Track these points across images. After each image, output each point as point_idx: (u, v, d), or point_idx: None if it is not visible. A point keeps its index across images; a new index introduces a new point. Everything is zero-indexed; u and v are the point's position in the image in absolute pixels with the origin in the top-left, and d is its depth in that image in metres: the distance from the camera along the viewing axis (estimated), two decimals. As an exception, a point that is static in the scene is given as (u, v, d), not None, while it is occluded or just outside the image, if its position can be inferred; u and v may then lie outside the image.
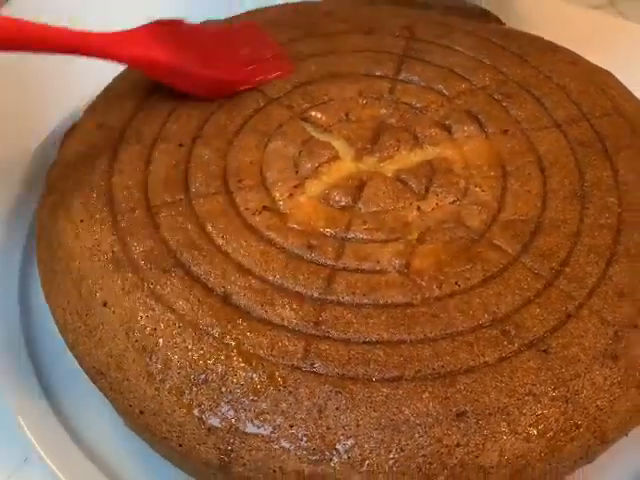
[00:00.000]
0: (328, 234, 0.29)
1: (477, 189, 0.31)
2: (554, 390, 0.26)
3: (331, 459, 0.25)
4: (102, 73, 0.35)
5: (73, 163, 0.33)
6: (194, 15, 0.37)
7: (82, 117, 0.35)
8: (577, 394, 0.26)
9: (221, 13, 0.38)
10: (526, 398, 0.25)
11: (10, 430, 0.30)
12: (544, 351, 0.26)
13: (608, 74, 0.35)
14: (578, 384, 0.26)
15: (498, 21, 0.38)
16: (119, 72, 0.36)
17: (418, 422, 0.25)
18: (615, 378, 0.26)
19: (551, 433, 0.25)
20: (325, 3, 0.39)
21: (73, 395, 0.31)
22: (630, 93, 0.35)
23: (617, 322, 0.27)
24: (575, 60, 0.36)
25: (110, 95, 0.35)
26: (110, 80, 0.36)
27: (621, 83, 0.35)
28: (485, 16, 0.38)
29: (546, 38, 0.38)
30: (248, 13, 0.39)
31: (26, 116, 0.39)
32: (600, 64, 0.36)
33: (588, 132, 0.33)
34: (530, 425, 0.25)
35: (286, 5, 0.39)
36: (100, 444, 0.29)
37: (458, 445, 0.25)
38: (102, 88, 0.36)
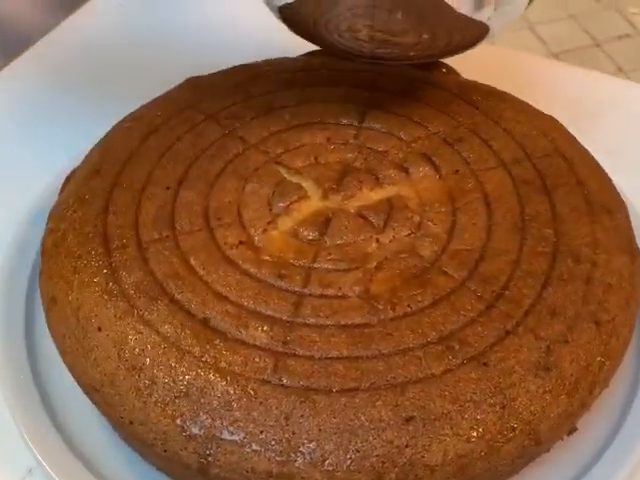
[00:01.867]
0: (297, 264, 0.33)
1: (430, 223, 0.35)
2: (492, 398, 0.29)
3: (296, 460, 0.28)
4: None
5: (72, 204, 0.37)
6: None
7: (81, 163, 0.39)
8: (513, 401, 0.29)
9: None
10: (467, 405, 0.29)
11: (14, 443, 0.33)
12: (484, 364, 0.30)
13: (551, 118, 0.40)
14: (514, 392, 0.29)
15: (455, 73, 0.42)
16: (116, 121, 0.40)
17: (372, 427, 0.28)
18: (547, 387, 0.30)
19: (489, 435, 0.29)
20: (301, 60, 0.43)
21: (70, 409, 0.34)
22: (570, 135, 0.39)
23: (549, 338, 0.31)
24: (521, 106, 0.40)
25: (106, 144, 0.39)
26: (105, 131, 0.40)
27: (562, 126, 0.39)
28: (443, 68, 0.42)
29: (498, 87, 0.42)
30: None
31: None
32: (547, 109, 0.41)
33: (530, 171, 0.36)
34: (471, 428, 0.29)
35: (269, 60, 0.44)
36: (95, 453, 0.33)
37: (407, 446, 0.28)
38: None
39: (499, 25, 0.38)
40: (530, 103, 0.41)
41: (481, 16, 0.36)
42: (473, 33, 0.38)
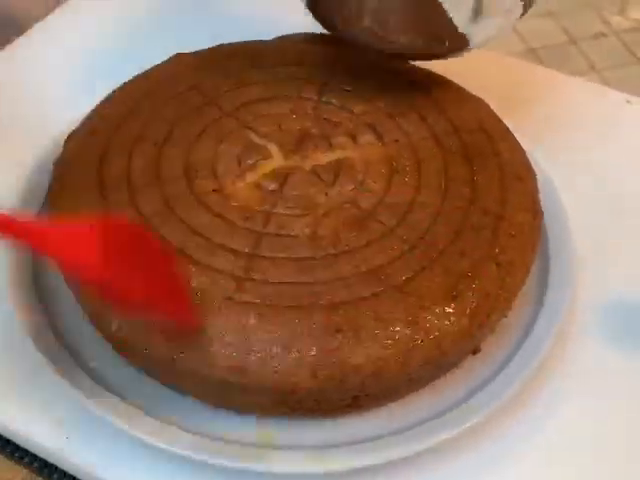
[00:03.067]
0: (259, 210, 0.41)
1: (370, 181, 0.42)
2: (406, 316, 0.37)
3: (249, 358, 0.36)
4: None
5: (74, 157, 0.44)
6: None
7: (81, 124, 0.46)
8: (423, 320, 0.37)
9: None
10: (386, 321, 0.36)
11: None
12: (402, 291, 0.37)
13: (480, 100, 0.47)
14: (424, 313, 0.37)
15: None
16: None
17: (310, 334, 0.36)
18: (451, 310, 0.37)
19: (402, 344, 0.36)
20: (272, 41, 0.51)
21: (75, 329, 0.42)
22: (495, 115, 0.46)
23: (456, 273, 0.38)
24: (455, 88, 0.47)
25: (102, 108, 0.46)
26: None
27: (489, 107, 0.47)
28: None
29: (447, 74, 0.49)
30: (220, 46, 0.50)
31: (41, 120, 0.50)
32: (482, 94, 0.48)
33: (456, 142, 0.44)
34: (387, 338, 0.36)
35: (246, 41, 0.51)
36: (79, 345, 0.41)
37: (336, 349, 0.36)
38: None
39: (479, 40, 0.44)
40: (468, 89, 0.48)
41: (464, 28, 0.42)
42: (453, 42, 0.44)
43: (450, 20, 0.42)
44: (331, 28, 0.47)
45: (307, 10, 0.46)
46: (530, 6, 0.44)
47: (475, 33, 0.43)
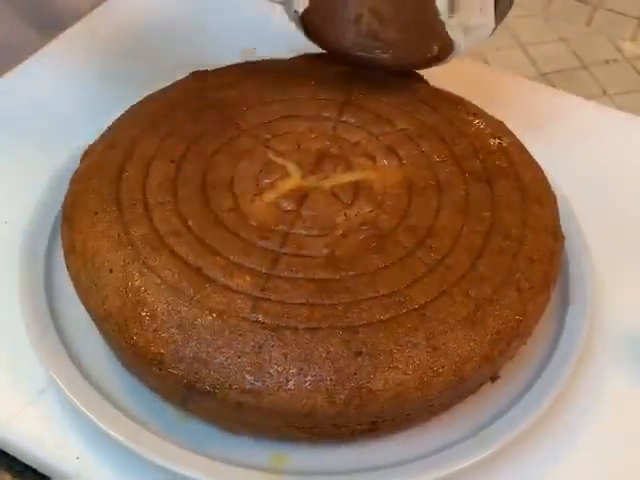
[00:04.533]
0: (276, 229, 0.40)
1: (389, 202, 0.42)
2: (426, 341, 0.36)
3: (265, 380, 0.35)
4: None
5: (91, 172, 0.43)
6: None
7: (99, 139, 0.46)
8: (443, 345, 0.36)
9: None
10: (406, 345, 0.36)
11: (30, 366, 0.40)
12: (422, 315, 0.37)
13: (500, 122, 0.47)
14: (444, 338, 0.36)
15: (423, 80, 0.49)
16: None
17: (328, 357, 0.35)
18: (472, 336, 0.37)
19: (422, 370, 0.36)
20: (290, 60, 0.50)
21: (81, 339, 0.41)
22: (515, 137, 0.46)
23: (477, 298, 0.38)
24: (475, 111, 0.47)
25: (121, 123, 0.46)
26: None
27: (508, 129, 0.46)
28: (413, 76, 0.49)
29: (465, 96, 0.49)
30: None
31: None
32: (502, 117, 0.48)
33: (476, 165, 0.43)
34: (407, 364, 0.35)
35: (263, 60, 0.51)
36: (101, 375, 0.40)
37: (355, 374, 0.35)
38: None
39: (465, 44, 0.45)
40: (487, 111, 0.48)
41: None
42: (440, 46, 0.45)
43: (437, 12, 0.43)
44: (324, 43, 0.48)
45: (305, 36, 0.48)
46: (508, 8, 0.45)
47: (454, 28, 0.44)
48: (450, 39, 0.45)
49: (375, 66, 0.48)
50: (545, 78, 1.65)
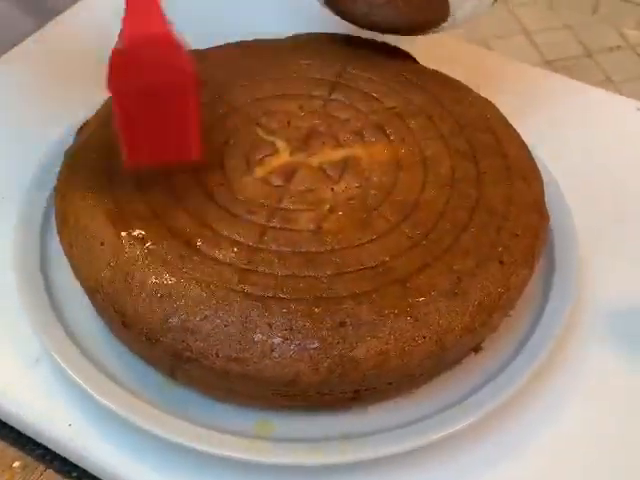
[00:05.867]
0: (265, 204, 0.41)
1: (376, 178, 0.42)
2: (408, 312, 0.37)
3: (250, 348, 0.36)
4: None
5: (84, 148, 0.44)
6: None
7: (93, 116, 0.47)
8: (425, 316, 0.37)
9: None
10: (388, 316, 0.36)
11: (25, 335, 0.41)
12: (405, 286, 0.37)
13: (487, 101, 0.47)
14: (426, 309, 0.37)
15: (413, 59, 0.50)
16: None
17: (312, 327, 0.36)
18: (454, 307, 0.37)
19: (403, 340, 0.36)
20: (284, 40, 0.51)
21: (73, 309, 0.42)
22: (502, 116, 0.46)
23: (460, 271, 0.38)
24: (464, 90, 0.48)
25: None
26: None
27: (496, 108, 0.47)
28: (403, 55, 0.50)
29: (455, 76, 0.49)
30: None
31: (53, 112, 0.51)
32: (491, 96, 0.48)
33: (463, 142, 0.44)
34: (389, 333, 0.36)
35: (258, 39, 0.51)
36: (92, 344, 0.41)
37: (338, 343, 0.36)
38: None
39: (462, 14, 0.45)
40: (487, 96, 0.48)
41: None
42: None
43: None
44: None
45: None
46: None
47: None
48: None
49: (379, 26, 0.48)
50: (550, 65, 1.66)
